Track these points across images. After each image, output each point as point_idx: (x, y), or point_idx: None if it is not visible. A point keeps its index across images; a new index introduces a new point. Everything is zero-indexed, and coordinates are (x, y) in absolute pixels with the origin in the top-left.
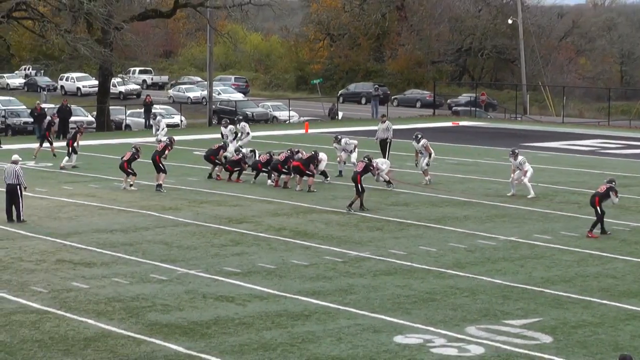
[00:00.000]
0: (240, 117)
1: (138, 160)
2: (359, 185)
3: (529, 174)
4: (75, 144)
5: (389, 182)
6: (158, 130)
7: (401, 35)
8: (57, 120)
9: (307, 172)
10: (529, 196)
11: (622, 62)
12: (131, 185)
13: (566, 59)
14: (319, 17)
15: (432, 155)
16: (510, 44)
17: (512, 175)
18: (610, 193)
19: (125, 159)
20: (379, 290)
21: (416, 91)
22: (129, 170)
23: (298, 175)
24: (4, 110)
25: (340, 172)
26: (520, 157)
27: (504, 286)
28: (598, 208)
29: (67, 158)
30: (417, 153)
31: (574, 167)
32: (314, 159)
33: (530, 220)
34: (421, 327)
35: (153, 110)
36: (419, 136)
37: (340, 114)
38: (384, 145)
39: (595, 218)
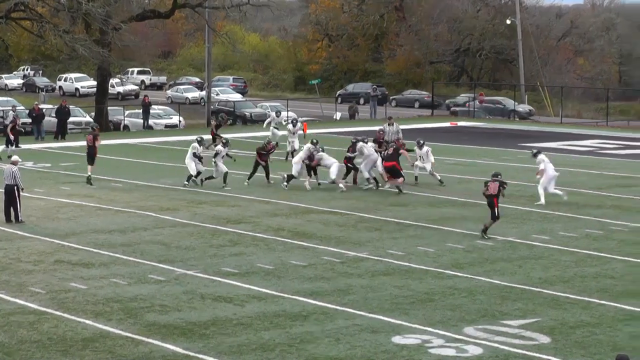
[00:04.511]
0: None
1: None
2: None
3: (542, 179)
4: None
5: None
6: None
7: (400, 36)
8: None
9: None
10: (537, 203)
11: (621, 62)
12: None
13: (565, 60)
14: (317, 17)
15: (433, 163)
16: (508, 44)
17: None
18: None
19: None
20: (377, 291)
21: (414, 91)
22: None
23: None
24: (2, 110)
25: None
26: (539, 156)
27: (503, 286)
28: None
29: (3, 147)
30: (418, 157)
31: (572, 167)
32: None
33: (529, 220)
34: (419, 327)
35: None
36: (421, 142)
37: (339, 115)
38: None
39: None
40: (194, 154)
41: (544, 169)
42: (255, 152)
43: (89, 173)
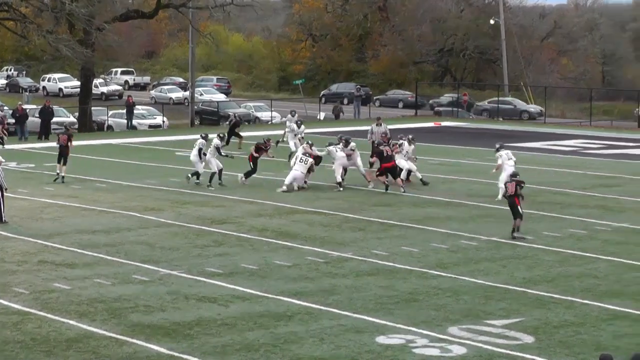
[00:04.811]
0: None
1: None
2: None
3: (501, 175)
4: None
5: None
6: None
7: (383, 36)
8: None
9: None
10: (496, 199)
11: (604, 62)
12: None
13: (548, 60)
14: (301, 17)
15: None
16: (492, 45)
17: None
18: None
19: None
20: (362, 291)
21: (398, 92)
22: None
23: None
24: None
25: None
26: (499, 152)
27: (487, 286)
28: None
29: None
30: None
31: (556, 167)
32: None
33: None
34: (403, 327)
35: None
36: (412, 139)
37: (323, 115)
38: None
39: None
40: (200, 150)
41: (500, 164)
42: (253, 149)
43: (58, 172)
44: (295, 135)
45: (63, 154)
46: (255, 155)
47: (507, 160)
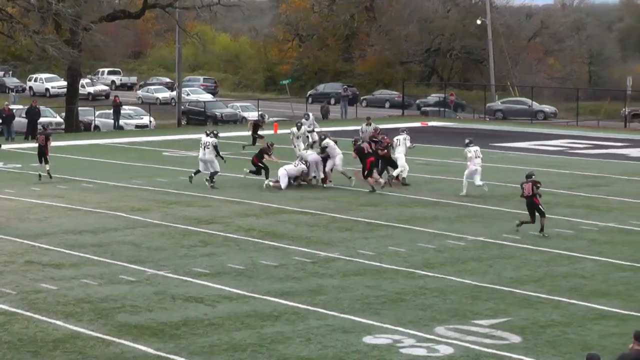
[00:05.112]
0: None
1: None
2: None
3: (466, 171)
4: None
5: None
6: None
7: (370, 36)
8: None
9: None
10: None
11: (591, 62)
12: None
13: (535, 60)
14: (288, 17)
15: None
16: (479, 45)
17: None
18: None
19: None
20: (349, 291)
21: (385, 92)
22: (260, 164)
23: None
24: None
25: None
26: (468, 147)
27: (473, 286)
28: None
29: None
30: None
31: (543, 167)
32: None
33: (500, 220)
34: (390, 327)
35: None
36: (406, 131)
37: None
38: None
39: None
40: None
41: (471, 156)
42: (258, 153)
43: (43, 170)
44: (297, 137)
45: (42, 154)
46: (266, 156)
47: (474, 158)
